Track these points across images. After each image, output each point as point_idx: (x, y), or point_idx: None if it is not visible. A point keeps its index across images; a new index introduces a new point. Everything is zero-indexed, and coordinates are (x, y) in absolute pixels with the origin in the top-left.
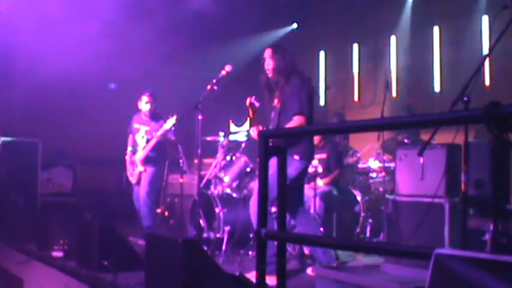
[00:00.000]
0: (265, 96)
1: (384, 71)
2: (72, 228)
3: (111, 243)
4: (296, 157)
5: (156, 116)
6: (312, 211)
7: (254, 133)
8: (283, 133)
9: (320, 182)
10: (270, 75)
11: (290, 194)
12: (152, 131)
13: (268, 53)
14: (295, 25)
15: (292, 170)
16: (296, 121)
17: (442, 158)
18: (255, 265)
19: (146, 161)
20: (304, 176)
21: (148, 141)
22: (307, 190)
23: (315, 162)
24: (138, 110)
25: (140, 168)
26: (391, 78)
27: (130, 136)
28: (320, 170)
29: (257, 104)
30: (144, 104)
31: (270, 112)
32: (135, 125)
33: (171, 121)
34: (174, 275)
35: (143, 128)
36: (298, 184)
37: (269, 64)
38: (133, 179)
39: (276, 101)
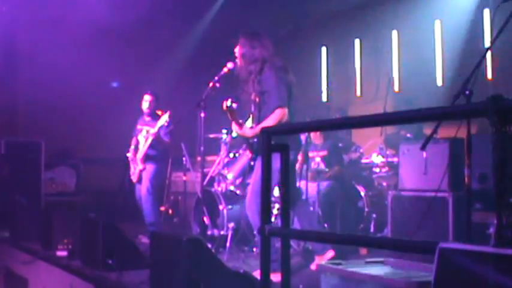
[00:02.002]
0: (239, 85)
1: (386, 66)
2: (76, 228)
3: (115, 242)
4: None
5: (156, 115)
6: (316, 207)
7: (236, 129)
8: (285, 129)
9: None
10: (238, 62)
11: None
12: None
13: (239, 40)
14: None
15: (277, 161)
16: (277, 114)
17: (445, 152)
18: (259, 262)
19: (146, 159)
20: (293, 167)
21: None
22: (310, 187)
23: (317, 159)
24: (141, 111)
25: (140, 166)
26: (393, 73)
27: (134, 138)
28: (322, 166)
29: (234, 105)
30: (145, 102)
31: (246, 104)
32: (139, 127)
33: (164, 117)
34: (178, 272)
35: (145, 128)
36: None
37: (237, 52)
38: (134, 177)
39: (253, 95)
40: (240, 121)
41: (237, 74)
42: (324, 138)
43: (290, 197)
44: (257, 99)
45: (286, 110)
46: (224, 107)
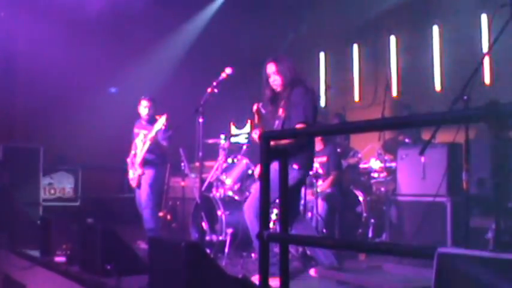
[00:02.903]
0: (269, 108)
1: (384, 71)
2: (75, 233)
3: (114, 247)
4: (295, 166)
5: (154, 120)
6: (315, 212)
7: (255, 135)
8: (284, 135)
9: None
10: (278, 89)
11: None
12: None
13: (272, 68)
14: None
15: (289, 178)
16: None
17: (443, 157)
18: (257, 267)
19: (145, 163)
20: (301, 186)
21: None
22: (309, 193)
23: (316, 165)
24: (138, 116)
25: (139, 170)
26: (391, 78)
27: (133, 142)
28: (320, 171)
29: (263, 111)
30: (143, 108)
31: (273, 121)
32: (136, 130)
33: (161, 121)
34: (177, 278)
35: (142, 132)
36: (295, 194)
37: (276, 80)
38: (133, 182)
39: (280, 110)
40: (263, 127)
41: (269, 99)
42: (324, 144)
43: (289, 204)
44: (283, 115)
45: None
46: (255, 108)
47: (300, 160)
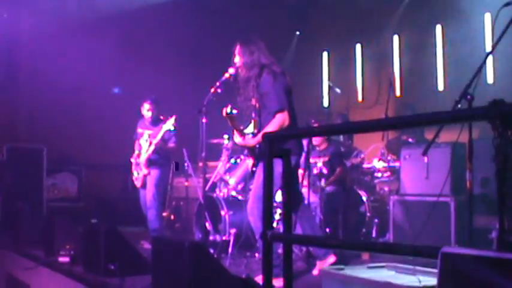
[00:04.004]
0: (239, 92)
1: (387, 71)
2: (78, 234)
3: (117, 247)
4: None
5: (158, 121)
6: (318, 212)
7: (238, 139)
8: (286, 135)
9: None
10: (240, 72)
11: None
12: (155, 134)
13: (236, 48)
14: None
15: (280, 166)
16: (278, 119)
17: (446, 157)
18: (261, 267)
19: (150, 164)
20: (296, 171)
21: (151, 144)
22: (313, 193)
23: (319, 164)
24: (141, 115)
25: (144, 171)
26: (394, 78)
27: (136, 142)
28: (325, 171)
29: (235, 112)
30: (146, 111)
31: (246, 110)
32: (139, 130)
33: (170, 122)
34: (180, 278)
35: (147, 132)
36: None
37: (237, 61)
38: (138, 182)
39: (253, 100)
40: (241, 127)
41: (236, 81)
42: (326, 143)
43: (292, 201)
44: (257, 105)
45: (286, 114)
46: (224, 113)
47: (289, 146)
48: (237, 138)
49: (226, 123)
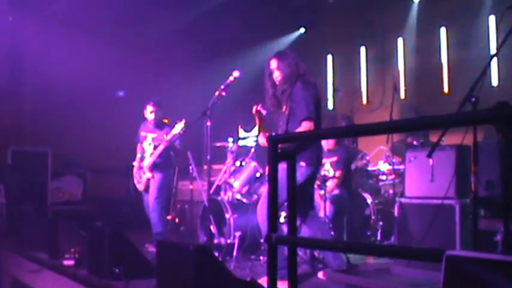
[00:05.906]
0: (272, 105)
1: (392, 73)
2: (83, 237)
3: (122, 250)
4: (302, 163)
5: (162, 123)
6: (322, 215)
7: (262, 140)
8: (291, 138)
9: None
10: (279, 85)
11: (299, 198)
12: (159, 137)
13: (274, 64)
14: (302, 29)
15: (298, 176)
16: (304, 127)
17: (451, 159)
18: (266, 270)
19: (153, 167)
20: (312, 182)
21: (155, 147)
22: (317, 194)
23: (327, 165)
24: (144, 119)
25: (148, 174)
26: (399, 80)
27: (139, 145)
28: (332, 172)
29: (264, 112)
30: (149, 114)
31: (278, 119)
32: (142, 133)
33: (179, 125)
34: (185, 281)
35: (150, 135)
36: (306, 189)
37: (277, 76)
38: (140, 186)
39: (284, 107)
40: (267, 129)
41: (272, 95)
42: (337, 144)
43: (301, 205)
44: (286, 112)
45: (312, 123)
46: (254, 111)
47: (306, 157)
48: (262, 139)
49: (254, 120)
